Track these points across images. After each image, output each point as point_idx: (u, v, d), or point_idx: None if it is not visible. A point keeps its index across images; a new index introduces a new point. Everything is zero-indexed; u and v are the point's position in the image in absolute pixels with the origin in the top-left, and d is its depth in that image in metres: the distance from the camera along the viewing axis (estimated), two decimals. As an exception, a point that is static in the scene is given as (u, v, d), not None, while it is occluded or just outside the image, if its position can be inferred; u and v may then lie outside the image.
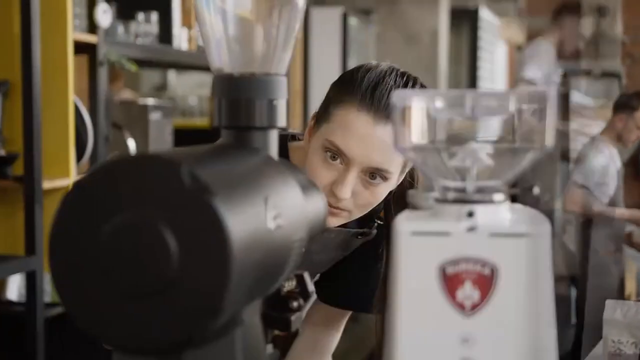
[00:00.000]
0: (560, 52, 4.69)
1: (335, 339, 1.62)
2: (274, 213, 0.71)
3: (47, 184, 2.46)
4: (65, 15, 2.53)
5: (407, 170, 1.35)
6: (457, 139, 0.74)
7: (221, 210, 0.61)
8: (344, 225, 1.37)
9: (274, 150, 0.82)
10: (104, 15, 2.66)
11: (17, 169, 2.45)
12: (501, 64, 9.24)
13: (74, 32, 2.59)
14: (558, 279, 4.32)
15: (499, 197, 0.71)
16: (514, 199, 5.13)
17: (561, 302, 4.65)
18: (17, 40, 2.43)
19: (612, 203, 4.59)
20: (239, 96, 0.81)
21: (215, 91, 0.82)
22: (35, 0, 2.42)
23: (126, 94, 4.18)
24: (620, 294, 4.58)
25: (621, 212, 4.58)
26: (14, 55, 2.46)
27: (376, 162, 1.25)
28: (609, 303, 1.91)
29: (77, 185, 0.63)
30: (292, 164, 0.88)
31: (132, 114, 3.08)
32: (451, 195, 0.71)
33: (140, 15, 3.03)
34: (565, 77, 5.39)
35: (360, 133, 1.24)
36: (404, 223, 0.70)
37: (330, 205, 1.26)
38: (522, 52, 4.78)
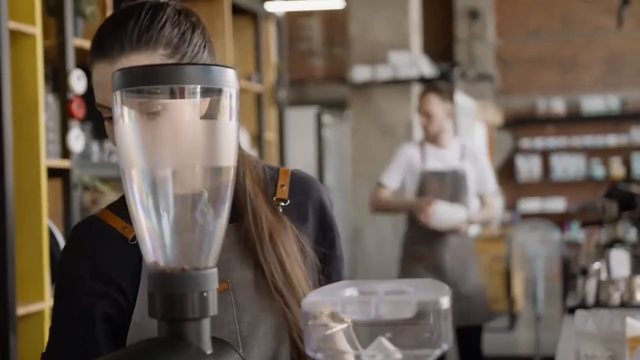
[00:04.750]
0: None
1: None
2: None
3: (21, 310, 2.50)
4: (38, 143, 2.61)
5: None
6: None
7: None
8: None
9: (206, 338, 0.88)
10: (77, 140, 2.75)
11: (-8, 295, 2.50)
12: (480, 144, 9.40)
13: (48, 159, 2.67)
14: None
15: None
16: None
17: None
18: (-9, 169, 2.51)
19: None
20: (172, 291, 0.87)
21: (151, 285, 0.89)
22: (8, 128, 2.51)
23: (109, 198, 4.23)
24: None
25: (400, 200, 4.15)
26: (-12, 183, 2.53)
27: None
28: (579, 313, 1.74)
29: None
30: (225, 345, 0.93)
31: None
32: (362, 390, 0.77)
33: (114, 134, 3.12)
34: None
35: (100, 80, 1.20)
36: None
37: None
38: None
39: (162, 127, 0.91)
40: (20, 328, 2.53)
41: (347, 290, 0.81)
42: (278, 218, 1.31)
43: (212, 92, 0.89)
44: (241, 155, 1.34)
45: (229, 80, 0.89)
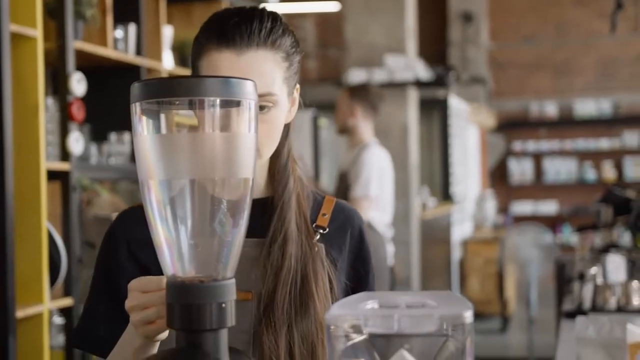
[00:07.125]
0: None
1: None
2: None
3: (20, 313, 2.50)
4: (38, 145, 2.60)
5: (296, 87, 1.31)
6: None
7: None
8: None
9: (223, 349, 0.88)
10: (76, 143, 2.74)
11: (-9, 298, 2.49)
12: (473, 146, 9.43)
13: (47, 161, 2.67)
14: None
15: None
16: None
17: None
18: (-9, 171, 2.50)
19: None
20: (190, 302, 0.87)
21: (169, 296, 0.89)
22: (8, 130, 2.50)
23: (104, 198, 4.21)
24: None
25: None
26: (-12, 185, 2.52)
27: None
28: (580, 319, 1.77)
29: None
30: (242, 356, 0.93)
31: (105, 230, 3.12)
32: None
33: (113, 136, 3.13)
34: None
35: (226, 69, 1.21)
36: None
37: None
38: None
39: (180, 139, 0.91)
40: (20, 330, 2.53)
41: (368, 303, 0.81)
42: (309, 243, 1.29)
43: (231, 104, 0.89)
44: (298, 176, 1.33)
45: (248, 92, 0.89)
